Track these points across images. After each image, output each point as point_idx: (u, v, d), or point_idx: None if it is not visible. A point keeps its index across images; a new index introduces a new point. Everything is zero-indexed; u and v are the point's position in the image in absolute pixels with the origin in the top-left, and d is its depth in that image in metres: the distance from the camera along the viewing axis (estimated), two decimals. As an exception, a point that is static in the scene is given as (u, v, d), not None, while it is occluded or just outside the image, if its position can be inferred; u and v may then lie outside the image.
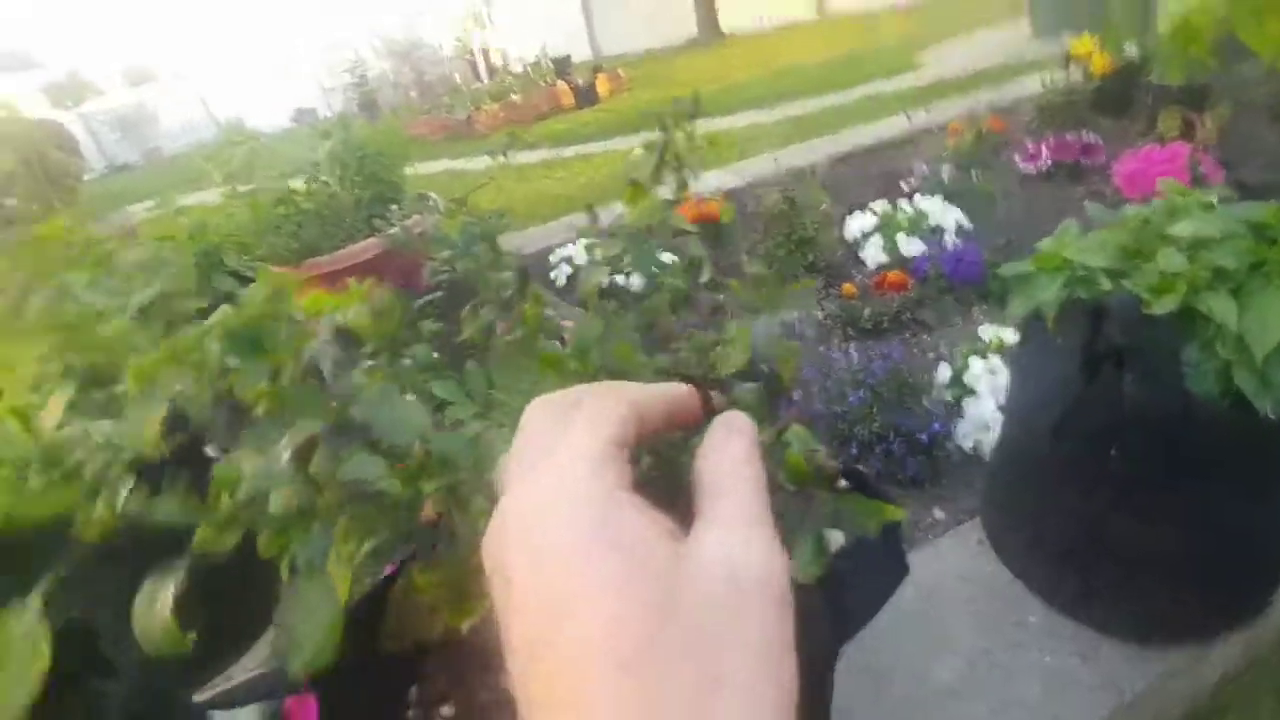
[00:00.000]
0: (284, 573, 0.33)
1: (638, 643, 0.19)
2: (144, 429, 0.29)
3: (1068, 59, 2.93)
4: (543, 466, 0.23)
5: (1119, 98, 2.80)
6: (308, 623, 0.31)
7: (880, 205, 2.32)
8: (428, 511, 0.34)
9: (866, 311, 1.90)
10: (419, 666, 0.66)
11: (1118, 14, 2.91)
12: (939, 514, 1.41)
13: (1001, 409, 1.42)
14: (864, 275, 2.12)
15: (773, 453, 0.37)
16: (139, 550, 0.35)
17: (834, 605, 0.63)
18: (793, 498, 0.39)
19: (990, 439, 1.44)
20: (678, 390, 0.29)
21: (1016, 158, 2.53)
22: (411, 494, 0.35)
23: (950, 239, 2.14)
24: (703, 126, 0.49)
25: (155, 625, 0.30)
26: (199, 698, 0.52)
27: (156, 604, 0.31)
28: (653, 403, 0.27)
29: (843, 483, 0.39)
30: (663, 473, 0.31)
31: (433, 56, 8.63)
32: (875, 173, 2.90)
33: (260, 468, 0.30)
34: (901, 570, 0.70)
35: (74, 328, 0.30)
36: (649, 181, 0.47)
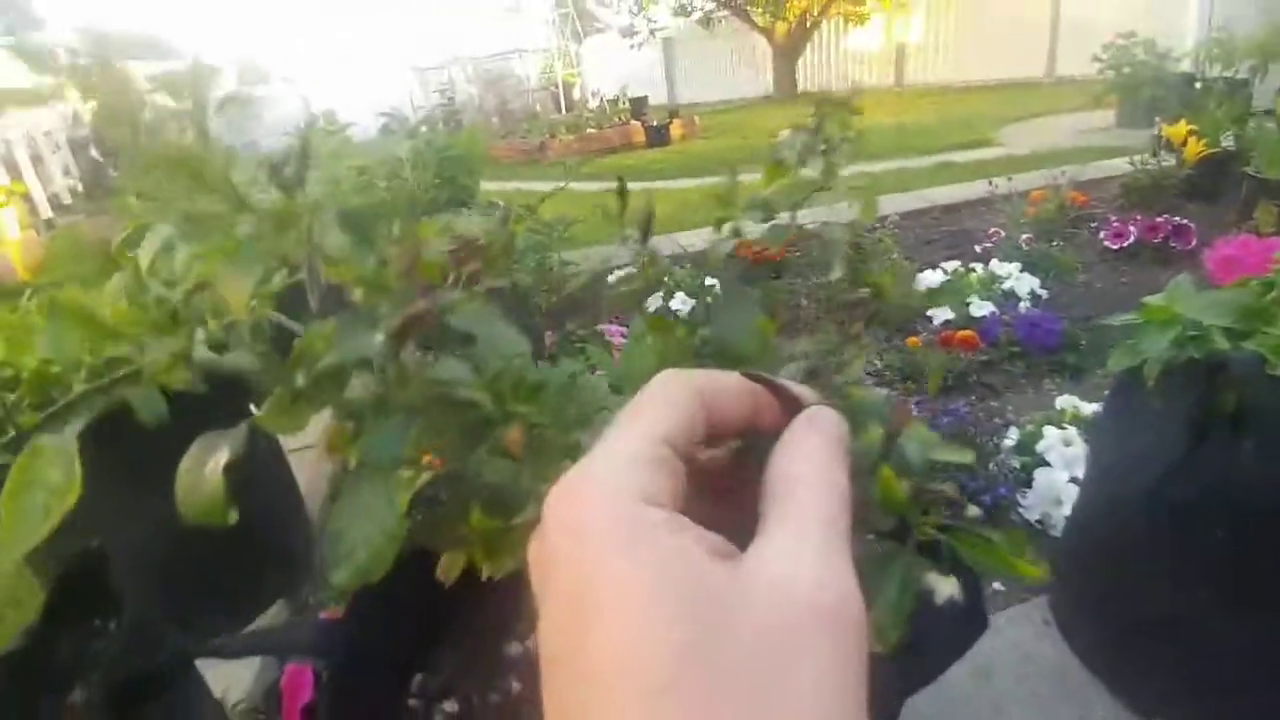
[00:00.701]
0: (350, 460, 0.30)
1: (667, 671, 0.16)
2: (235, 286, 0.27)
3: (1159, 142, 2.85)
4: (587, 460, 0.21)
5: (1210, 186, 2.70)
6: (363, 527, 0.27)
7: (951, 265, 2.26)
8: (513, 436, 0.31)
9: (932, 367, 1.83)
10: (426, 654, 0.63)
11: (1216, 104, 2.83)
12: (998, 585, 1.32)
13: (1075, 481, 1.34)
14: (929, 331, 2.06)
15: (875, 465, 0.32)
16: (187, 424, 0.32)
17: (903, 651, 0.57)
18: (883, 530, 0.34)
19: (1061, 513, 1.35)
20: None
21: (1101, 233, 2.45)
22: (499, 414, 0.31)
23: (1025, 306, 2.07)
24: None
25: (201, 489, 0.27)
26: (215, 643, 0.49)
27: (207, 465, 0.28)
28: (728, 393, 0.24)
29: (973, 510, 0.32)
30: (743, 477, 0.27)
31: (518, 87, 8.97)
32: (948, 232, 2.84)
33: (352, 338, 0.27)
34: (980, 623, 0.63)
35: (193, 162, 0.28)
36: (795, 160, 0.43)
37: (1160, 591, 0.85)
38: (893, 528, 0.30)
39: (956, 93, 8.98)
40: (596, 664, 0.17)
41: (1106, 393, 1.03)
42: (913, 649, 0.58)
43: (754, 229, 0.44)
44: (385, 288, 0.29)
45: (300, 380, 0.26)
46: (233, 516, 0.29)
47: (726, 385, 0.24)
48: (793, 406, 0.24)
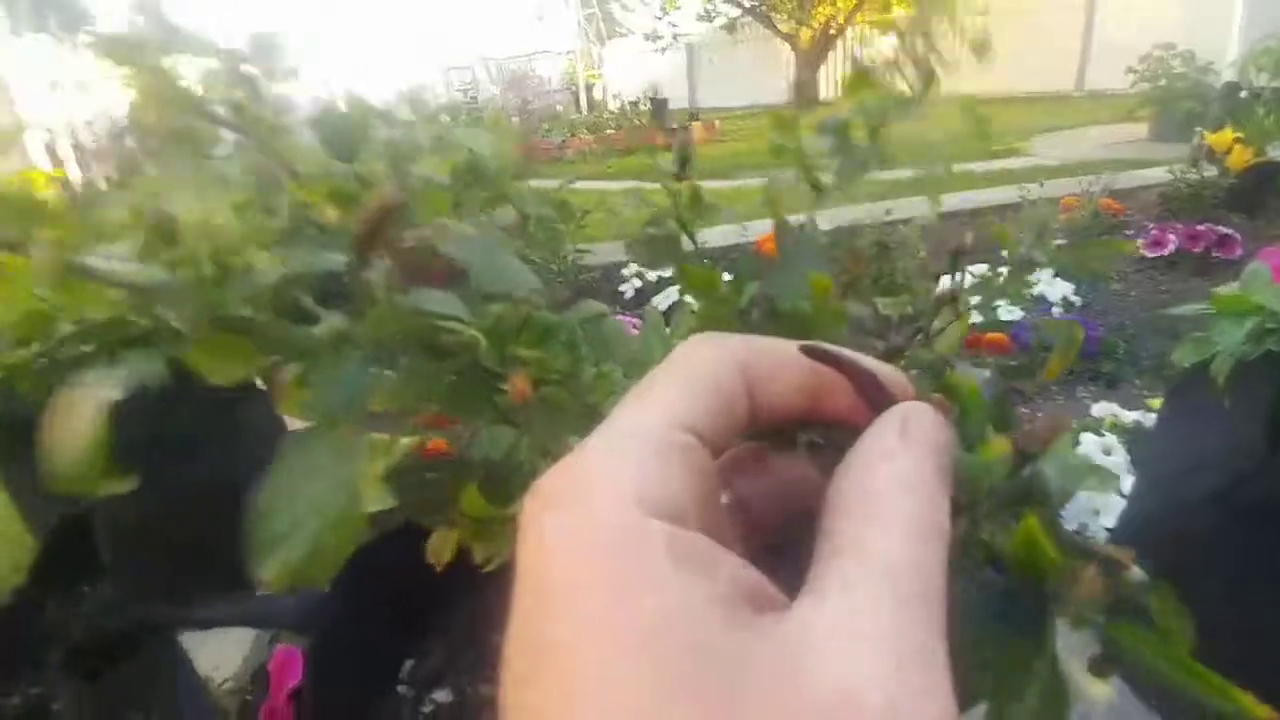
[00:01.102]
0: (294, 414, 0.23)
1: None
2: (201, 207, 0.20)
3: (1200, 151, 2.75)
4: (580, 447, 0.15)
5: (1255, 196, 2.60)
6: (303, 507, 0.20)
7: (979, 268, 2.18)
8: (517, 386, 0.24)
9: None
10: (419, 640, 0.58)
11: (1265, 112, 2.73)
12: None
13: (1117, 492, 1.26)
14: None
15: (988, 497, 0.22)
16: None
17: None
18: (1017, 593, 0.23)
19: (1100, 524, 1.27)
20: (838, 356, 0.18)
21: (1139, 242, 2.36)
22: (497, 360, 0.25)
23: (1057, 312, 1.99)
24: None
25: (71, 447, 0.20)
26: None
27: (76, 410, 0.20)
28: (784, 368, 0.17)
29: (1136, 573, 0.20)
30: (803, 486, 0.20)
31: (540, 88, 8.97)
32: (978, 236, 2.76)
33: (306, 251, 0.21)
34: None
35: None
36: (885, 72, 0.37)
37: (1226, 609, 0.77)
38: (1023, 600, 0.20)
39: (984, 102, 8.84)
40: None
41: (1158, 397, 0.95)
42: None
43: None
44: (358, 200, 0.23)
45: (233, 304, 0.19)
46: (119, 486, 0.22)
47: (782, 356, 0.18)
48: (875, 395, 0.18)
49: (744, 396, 0.17)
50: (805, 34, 10.53)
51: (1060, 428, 0.21)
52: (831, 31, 10.47)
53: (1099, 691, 0.19)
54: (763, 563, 0.15)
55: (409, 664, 0.57)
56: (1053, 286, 2.10)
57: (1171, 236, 2.28)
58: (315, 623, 0.51)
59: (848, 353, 0.18)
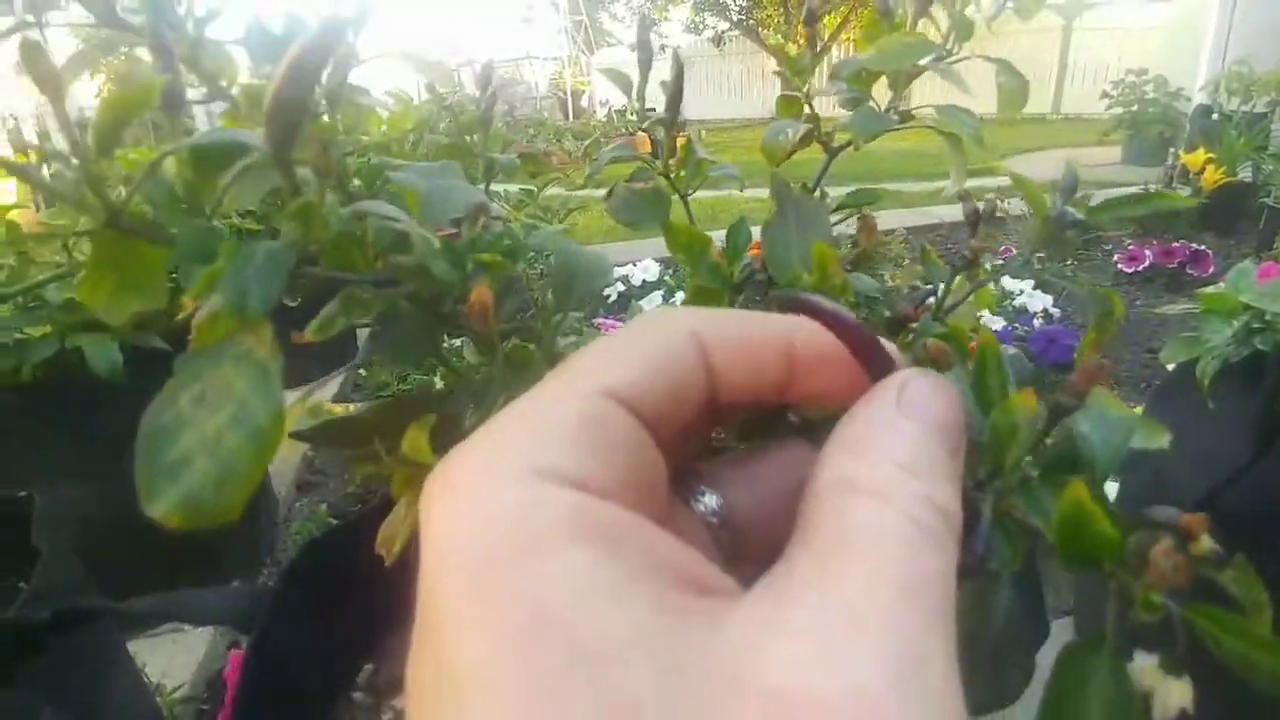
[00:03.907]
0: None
1: None
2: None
3: (1174, 172, 2.81)
4: (498, 415, 0.13)
5: (1227, 215, 2.66)
6: (209, 427, 0.16)
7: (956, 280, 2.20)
8: (477, 299, 0.21)
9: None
10: (380, 642, 0.55)
11: (1236, 134, 2.80)
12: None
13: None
14: (938, 344, 1.99)
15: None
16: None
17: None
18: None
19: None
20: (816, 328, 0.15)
21: (1115, 257, 2.39)
22: (449, 275, 0.22)
23: (1037, 323, 2.00)
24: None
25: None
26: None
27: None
28: (745, 337, 0.15)
29: (1207, 543, 0.17)
30: (786, 474, 0.17)
31: (526, 93, 8.95)
32: (955, 249, 2.79)
33: (219, 134, 0.18)
34: (1041, 631, 0.54)
35: None
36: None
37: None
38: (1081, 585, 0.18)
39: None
40: None
41: (1137, 406, 0.95)
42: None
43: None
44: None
45: (120, 195, 0.16)
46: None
47: (751, 327, 0.15)
48: (867, 355, 0.15)
49: (699, 370, 0.14)
50: (791, 49, 10.64)
51: (1100, 373, 0.18)
52: (818, 48, 10.61)
53: (1177, 695, 0.16)
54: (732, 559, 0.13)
55: (368, 669, 0.54)
56: (1033, 298, 2.12)
57: (1147, 253, 2.32)
58: (256, 620, 0.47)
59: (832, 304, 0.15)
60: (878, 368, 0.15)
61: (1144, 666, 0.17)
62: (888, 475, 0.13)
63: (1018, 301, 2.11)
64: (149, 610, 0.47)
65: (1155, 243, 2.36)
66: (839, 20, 10.14)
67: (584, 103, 9.08)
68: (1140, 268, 2.31)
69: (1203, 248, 2.28)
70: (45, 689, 0.54)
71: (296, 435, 0.23)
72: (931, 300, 0.33)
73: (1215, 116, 3.13)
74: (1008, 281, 2.20)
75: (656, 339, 0.14)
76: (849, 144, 0.37)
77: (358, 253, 0.23)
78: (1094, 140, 5.28)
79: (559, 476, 0.12)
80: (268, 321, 0.18)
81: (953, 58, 0.33)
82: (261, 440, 0.17)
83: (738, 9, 10.63)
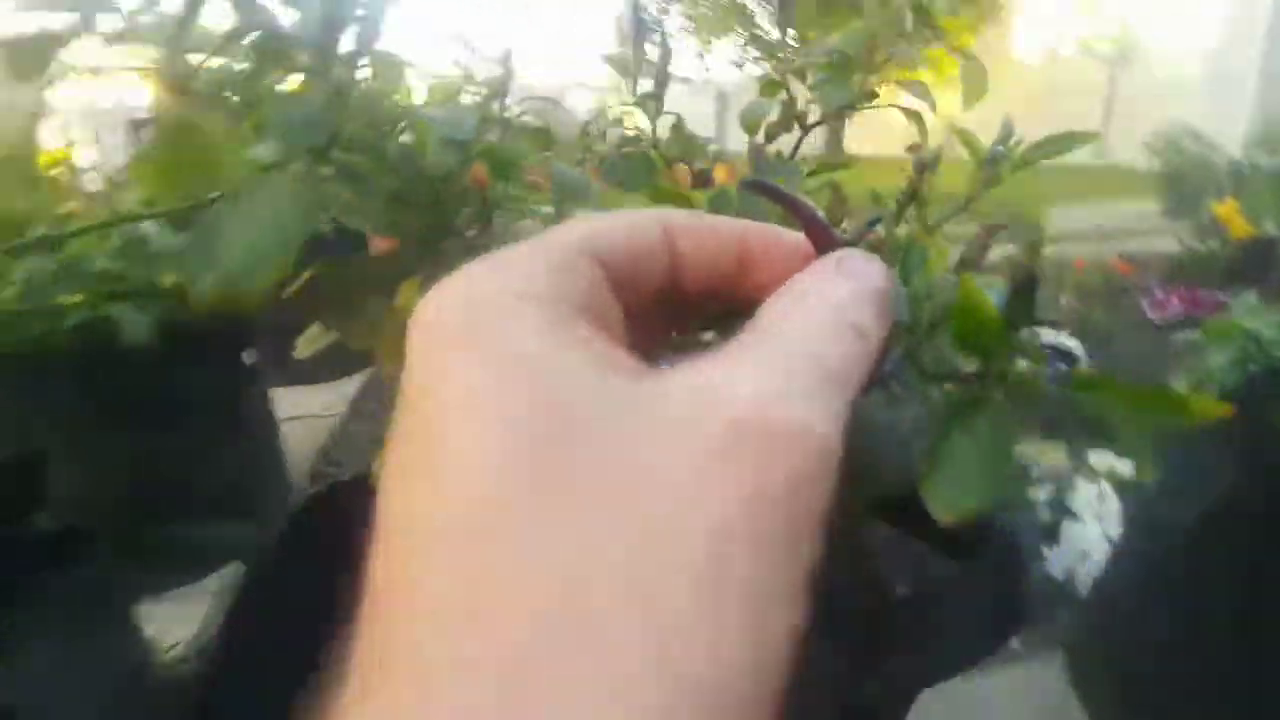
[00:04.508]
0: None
1: (501, 500, 0.11)
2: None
3: (1208, 223, 2.83)
4: (485, 259, 0.15)
5: (1255, 267, 2.66)
6: (241, 225, 0.22)
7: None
8: (476, 172, 0.29)
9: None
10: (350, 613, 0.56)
11: (1263, 187, 2.81)
12: (1013, 644, 1.26)
13: (1107, 538, 1.30)
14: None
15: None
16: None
17: (924, 634, 0.54)
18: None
19: (1087, 570, 1.30)
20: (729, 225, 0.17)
21: (1144, 304, 2.42)
22: (454, 160, 0.29)
23: (1062, 365, 2.03)
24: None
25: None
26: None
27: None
28: (705, 228, 0.17)
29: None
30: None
31: (568, 119, 9.16)
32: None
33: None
34: (1015, 622, 0.60)
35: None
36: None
37: (1202, 640, 0.81)
38: (972, 373, 0.23)
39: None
40: (418, 494, 0.12)
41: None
42: (931, 633, 0.54)
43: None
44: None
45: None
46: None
47: (711, 222, 0.17)
48: (820, 237, 0.17)
49: (664, 250, 0.16)
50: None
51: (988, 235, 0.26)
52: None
53: (1048, 457, 0.24)
54: None
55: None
56: (1060, 339, 2.15)
57: (1175, 300, 2.34)
58: (260, 557, 0.47)
59: (791, 192, 0.18)
60: (825, 247, 0.17)
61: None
62: (821, 308, 0.15)
63: (1043, 340, 2.15)
64: (159, 543, 0.52)
65: (1183, 291, 2.38)
66: (883, 59, 10.22)
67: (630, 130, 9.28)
68: (1167, 315, 2.34)
69: (1229, 299, 2.30)
70: (45, 618, 0.56)
71: (296, 292, 0.30)
72: (879, 228, 0.37)
73: (1249, 172, 3.13)
74: (1042, 329, 2.24)
75: (626, 217, 0.16)
76: (821, 121, 0.44)
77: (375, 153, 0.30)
78: (1135, 189, 5.25)
79: (534, 297, 0.13)
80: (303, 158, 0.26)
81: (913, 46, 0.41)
82: (286, 239, 0.24)
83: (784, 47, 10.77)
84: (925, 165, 0.38)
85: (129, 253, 1.03)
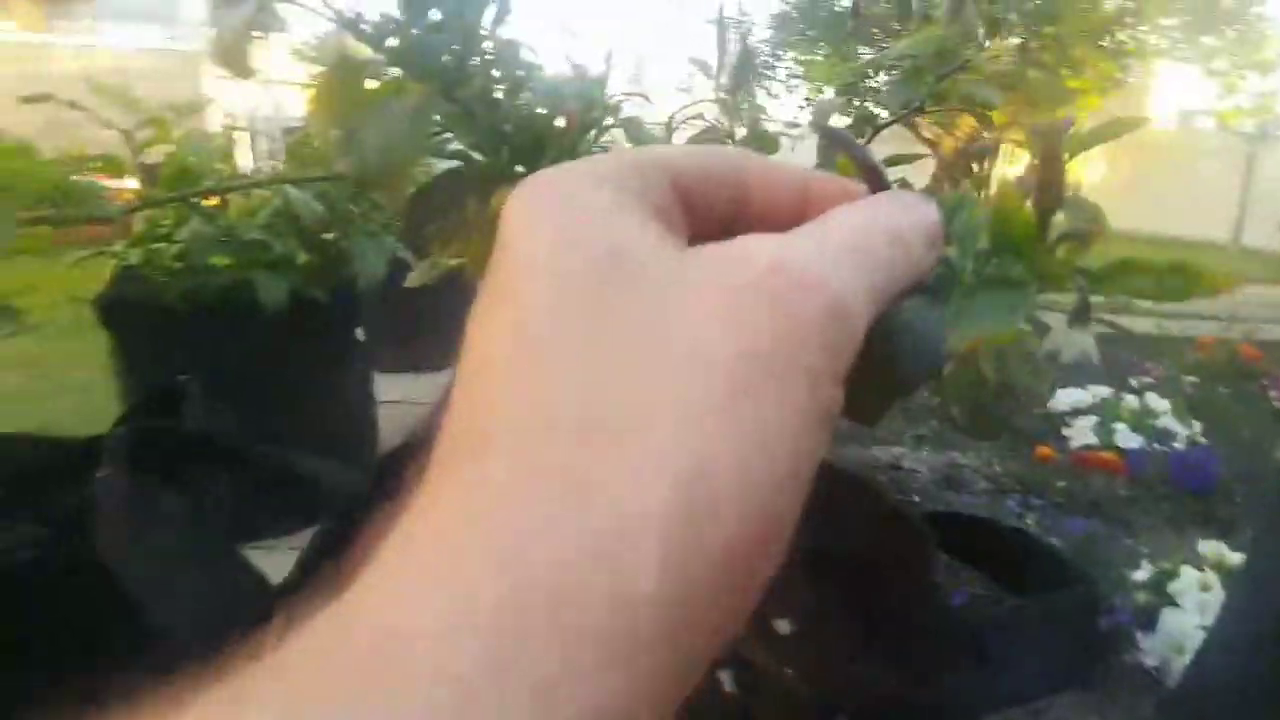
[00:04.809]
0: None
1: (553, 343, 0.13)
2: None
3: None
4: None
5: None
6: (382, 134, 0.31)
7: (1097, 389, 2.13)
8: (568, 114, 0.35)
9: (1059, 485, 1.71)
10: None
11: None
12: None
13: (1203, 628, 1.20)
14: (1064, 451, 1.93)
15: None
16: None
17: (984, 657, 0.52)
18: None
19: (1181, 663, 1.20)
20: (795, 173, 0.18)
21: (1272, 393, 2.23)
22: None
23: (1179, 446, 1.90)
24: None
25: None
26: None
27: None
28: (779, 172, 0.17)
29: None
30: None
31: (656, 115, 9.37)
32: (1099, 359, 2.68)
33: None
34: (1084, 662, 0.58)
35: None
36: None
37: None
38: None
39: (1124, 239, 8.51)
40: (492, 332, 0.14)
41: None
42: (992, 657, 0.53)
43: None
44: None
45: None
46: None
47: (780, 164, 0.18)
48: (875, 181, 0.18)
49: (735, 183, 0.17)
50: (948, 143, 10.49)
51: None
52: (976, 145, 10.41)
53: (1074, 341, 0.25)
54: None
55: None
56: (1178, 421, 2.02)
57: (1312, 393, 2.15)
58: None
59: (855, 140, 0.20)
60: (878, 189, 0.18)
61: (1055, 328, 0.25)
62: (866, 217, 0.16)
63: (1161, 422, 2.01)
64: (273, 456, 0.57)
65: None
66: (1005, 120, 9.93)
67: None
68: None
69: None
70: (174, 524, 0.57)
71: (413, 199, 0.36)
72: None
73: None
74: (1153, 400, 2.11)
75: (705, 148, 0.19)
76: (892, 122, 0.47)
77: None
78: (1270, 275, 4.89)
79: (607, 180, 0.15)
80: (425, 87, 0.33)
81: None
82: (408, 143, 0.32)
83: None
84: (978, 154, 0.41)
85: (276, 226, 1.16)
